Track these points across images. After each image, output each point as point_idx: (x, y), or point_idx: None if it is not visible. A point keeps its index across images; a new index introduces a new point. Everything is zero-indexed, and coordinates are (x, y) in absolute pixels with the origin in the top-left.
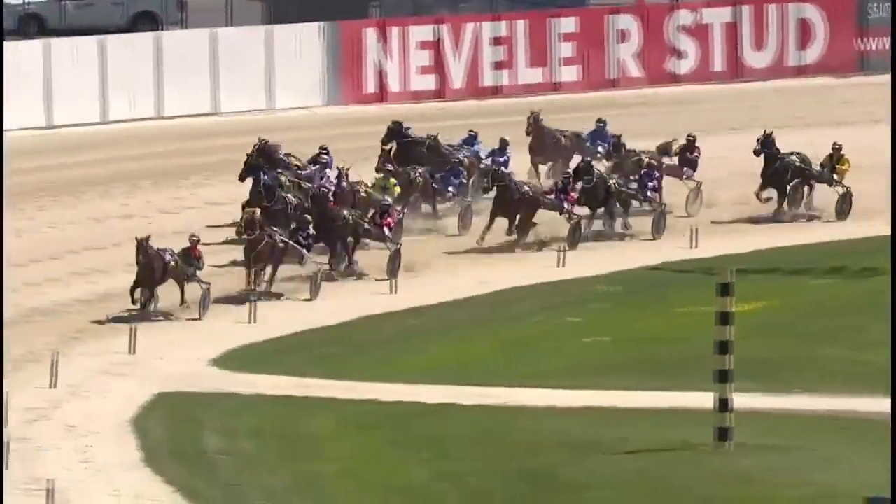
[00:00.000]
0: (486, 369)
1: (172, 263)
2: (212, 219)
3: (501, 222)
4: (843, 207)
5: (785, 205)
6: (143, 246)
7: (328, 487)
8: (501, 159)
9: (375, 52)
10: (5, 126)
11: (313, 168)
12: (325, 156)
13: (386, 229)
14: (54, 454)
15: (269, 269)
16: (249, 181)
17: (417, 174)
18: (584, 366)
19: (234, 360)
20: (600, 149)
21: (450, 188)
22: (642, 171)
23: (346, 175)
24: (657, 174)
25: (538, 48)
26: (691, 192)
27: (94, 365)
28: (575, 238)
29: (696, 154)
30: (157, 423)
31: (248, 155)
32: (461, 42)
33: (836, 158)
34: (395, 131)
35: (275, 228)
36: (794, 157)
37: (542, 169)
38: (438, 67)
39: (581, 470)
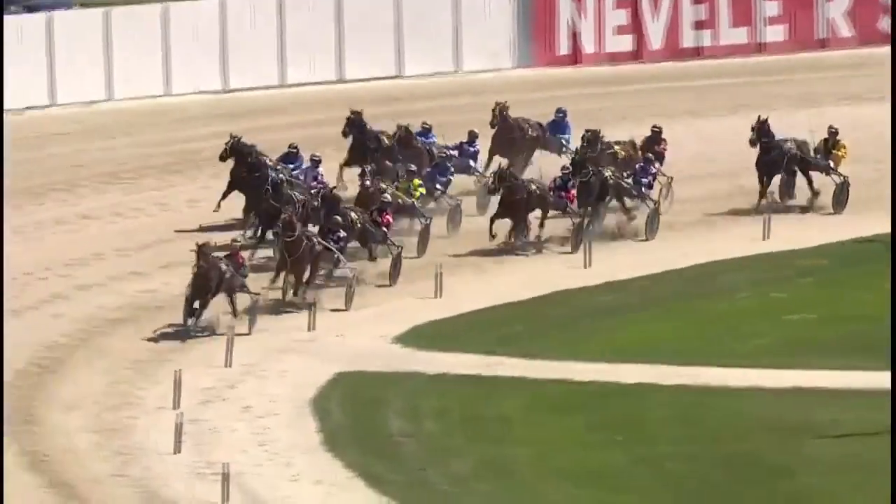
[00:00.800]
0: (685, 347)
1: (228, 274)
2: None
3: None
4: (841, 198)
5: (776, 196)
6: (203, 253)
7: (518, 473)
8: (472, 150)
9: (569, 12)
10: (182, 90)
11: (305, 167)
12: (293, 150)
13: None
14: (229, 436)
15: (306, 274)
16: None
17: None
18: (789, 344)
19: (418, 337)
20: (563, 140)
21: (437, 186)
22: (637, 166)
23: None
24: (653, 169)
25: (742, 7)
26: (663, 188)
27: (271, 343)
28: (578, 239)
29: (662, 146)
30: (338, 404)
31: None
32: (660, 1)
33: (831, 143)
34: (356, 123)
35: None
36: (790, 145)
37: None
38: (635, 27)
39: (788, 455)
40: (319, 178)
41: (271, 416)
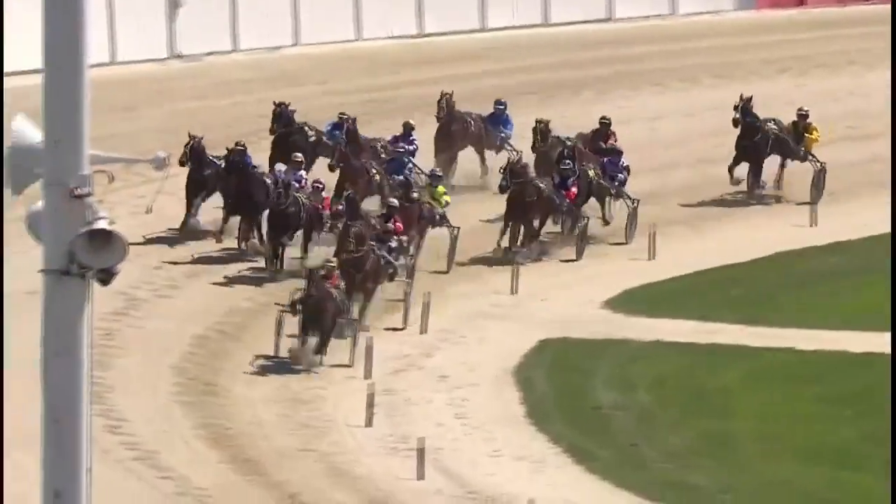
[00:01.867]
0: None
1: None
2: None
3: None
4: (819, 185)
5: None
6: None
7: (739, 448)
8: (409, 147)
9: None
10: (374, 35)
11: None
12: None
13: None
14: (425, 408)
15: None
16: None
17: (374, 171)
18: None
19: (629, 301)
20: (502, 135)
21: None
22: (605, 160)
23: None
24: (625, 164)
25: None
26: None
27: (469, 308)
28: (582, 246)
29: (612, 142)
30: (542, 374)
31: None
32: None
33: (801, 127)
34: (282, 115)
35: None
36: (772, 126)
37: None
38: None
39: None
40: (302, 181)
41: (470, 386)
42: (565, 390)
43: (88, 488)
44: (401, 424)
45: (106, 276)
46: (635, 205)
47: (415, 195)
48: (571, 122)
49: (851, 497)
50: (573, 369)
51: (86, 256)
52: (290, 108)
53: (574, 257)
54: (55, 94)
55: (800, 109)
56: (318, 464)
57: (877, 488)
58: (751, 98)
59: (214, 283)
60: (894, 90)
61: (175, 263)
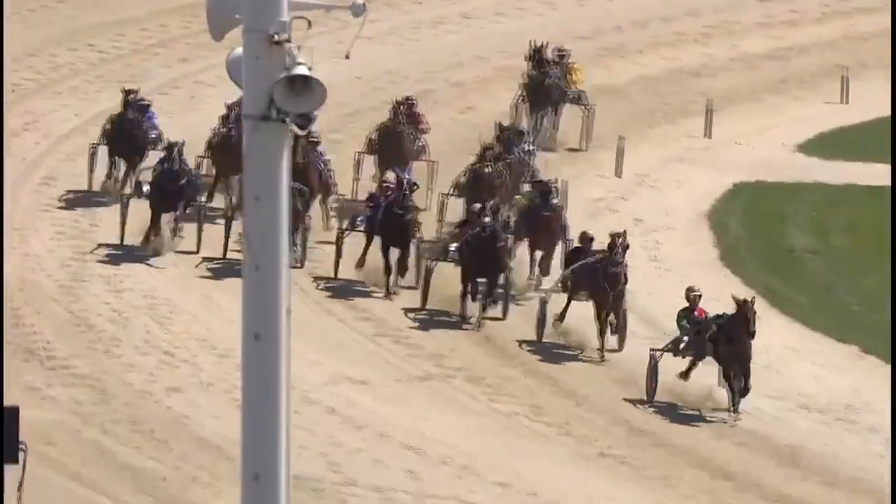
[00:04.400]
0: None
1: None
2: None
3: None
4: (590, 128)
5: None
6: None
7: None
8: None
9: None
10: None
11: None
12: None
13: None
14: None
15: None
16: None
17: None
18: None
19: (823, 145)
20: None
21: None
22: None
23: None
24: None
25: None
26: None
27: (665, 152)
28: None
29: (423, 124)
30: (736, 217)
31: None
32: None
33: (563, 67)
34: (133, 104)
35: None
36: (556, 72)
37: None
38: None
39: None
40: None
41: (664, 229)
42: (759, 234)
43: (287, 329)
44: None
45: (304, 122)
46: None
47: None
48: None
49: None
50: (767, 213)
51: (284, 102)
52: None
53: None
54: None
55: (558, 49)
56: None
57: None
58: (543, 44)
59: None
60: (894, 91)
61: None
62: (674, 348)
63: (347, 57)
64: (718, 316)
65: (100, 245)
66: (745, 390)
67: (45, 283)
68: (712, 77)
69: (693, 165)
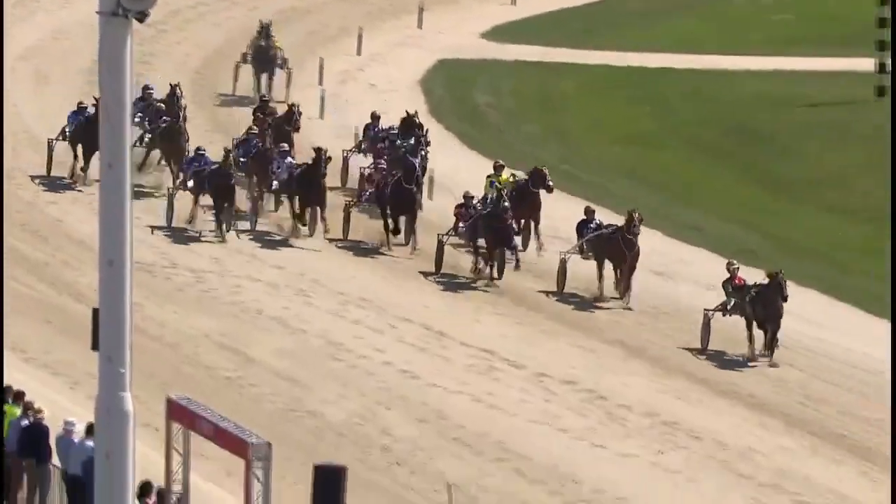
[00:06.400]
0: (701, 40)
1: None
2: None
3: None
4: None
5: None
6: None
7: (573, 135)
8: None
9: None
10: None
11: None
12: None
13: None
14: (359, 107)
15: None
16: None
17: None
18: (774, 39)
19: (499, 33)
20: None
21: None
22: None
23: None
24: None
25: None
26: None
27: (390, 38)
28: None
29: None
30: (439, 84)
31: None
32: None
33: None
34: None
35: None
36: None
37: None
38: None
39: (772, 121)
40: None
41: (390, 92)
42: (455, 95)
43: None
44: (345, 117)
45: (141, 17)
46: None
47: None
48: None
49: (655, 168)
50: (460, 81)
51: (128, 2)
52: None
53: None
54: None
55: None
56: None
57: (672, 162)
58: None
59: None
60: (894, 92)
61: None
62: (723, 309)
63: None
64: (756, 284)
65: None
66: (775, 341)
67: None
68: None
69: (410, 48)
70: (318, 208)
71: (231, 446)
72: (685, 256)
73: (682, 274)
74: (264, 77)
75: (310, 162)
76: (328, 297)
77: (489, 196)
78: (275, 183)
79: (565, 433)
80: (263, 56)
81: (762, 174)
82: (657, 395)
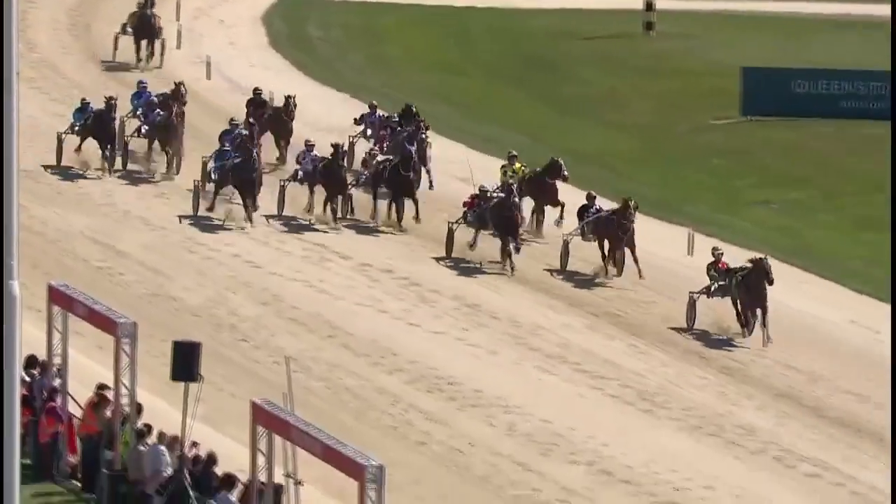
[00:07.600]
0: None
1: None
2: None
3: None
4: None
5: None
6: None
7: (394, 64)
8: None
9: None
10: None
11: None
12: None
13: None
14: (211, 40)
15: None
16: None
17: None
18: None
19: None
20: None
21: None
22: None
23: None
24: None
25: None
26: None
27: None
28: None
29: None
30: (279, 19)
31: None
32: None
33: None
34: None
35: None
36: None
37: None
38: None
39: (558, 51)
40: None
41: (237, 26)
42: (292, 28)
43: None
44: (197, 48)
45: None
46: None
47: None
48: None
49: (459, 91)
50: (297, 17)
51: None
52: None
53: None
54: None
55: None
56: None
57: (473, 87)
58: None
59: None
60: (894, 89)
61: None
62: (707, 292)
63: None
64: (739, 268)
65: None
66: (764, 322)
67: None
68: None
69: None
70: (338, 197)
71: (103, 325)
72: (485, 165)
73: (479, 179)
74: (143, 44)
75: (329, 157)
76: (183, 199)
77: (506, 184)
78: (299, 173)
79: (385, 314)
80: (146, 24)
81: (549, 96)
82: (462, 281)
